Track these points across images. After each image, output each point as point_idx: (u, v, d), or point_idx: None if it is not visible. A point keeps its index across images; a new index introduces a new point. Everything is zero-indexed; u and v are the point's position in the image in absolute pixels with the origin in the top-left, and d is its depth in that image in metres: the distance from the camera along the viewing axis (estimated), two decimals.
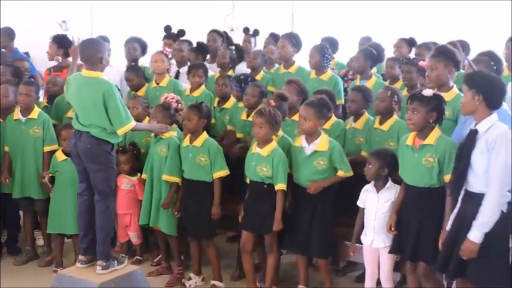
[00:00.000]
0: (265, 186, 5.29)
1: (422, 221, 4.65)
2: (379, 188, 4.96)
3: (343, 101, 6.49)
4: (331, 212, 5.25)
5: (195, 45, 7.65)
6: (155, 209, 5.77)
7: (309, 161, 5.21)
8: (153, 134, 5.82)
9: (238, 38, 8.46)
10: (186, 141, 5.66)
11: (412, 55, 7.15)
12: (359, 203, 5.06)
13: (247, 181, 5.45)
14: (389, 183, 4.94)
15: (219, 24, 9.48)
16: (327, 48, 6.75)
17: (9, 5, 11.75)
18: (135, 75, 6.98)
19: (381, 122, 5.45)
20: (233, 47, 7.26)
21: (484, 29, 8.62)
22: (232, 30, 10.07)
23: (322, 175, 5.19)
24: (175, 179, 5.69)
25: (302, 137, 5.29)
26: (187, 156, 5.62)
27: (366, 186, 5.04)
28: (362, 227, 5.03)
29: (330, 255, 5.47)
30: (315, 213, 5.20)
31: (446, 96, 4.82)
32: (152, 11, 11.37)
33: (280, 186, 5.23)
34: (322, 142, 5.19)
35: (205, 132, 5.67)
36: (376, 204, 4.94)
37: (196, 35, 8.00)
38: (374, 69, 7.06)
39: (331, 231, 5.26)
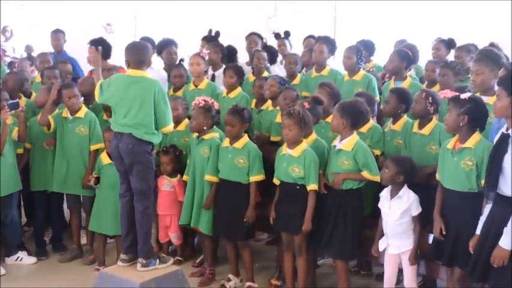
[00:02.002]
0: (298, 187, 5.29)
1: (459, 226, 4.61)
2: (393, 194, 4.94)
3: (378, 98, 6.49)
4: (356, 215, 5.16)
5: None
6: (197, 210, 5.82)
7: (335, 159, 5.21)
8: (194, 135, 5.86)
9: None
10: (226, 142, 5.68)
11: (450, 57, 7.10)
12: (379, 205, 5.05)
13: (277, 182, 5.46)
14: (402, 191, 4.91)
15: (261, 27, 9.51)
16: (361, 50, 6.76)
17: (54, 7, 12.00)
18: (185, 72, 7.05)
19: (421, 126, 5.34)
20: (259, 48, 7.35)
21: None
22: (274, 33, 10.08)
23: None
24: (217, 179, 5.74)
25: (338, 136, 5.27)
26: (226, 157, 5.65)
27: (383, 191, 5.03)
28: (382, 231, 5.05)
29: (348, 258, 5.34)
30: (339, 214, 5.15)
31: (490, 100, 4.71)
32: (196, 14, 11.47)
33: (312, 186, 5.22)
34: (349, 142, 5.14)
35: (246, 135, 5.70)
36: (388, 211, 4.94)
37: (239, 39, 8.05)
38: (412, 72, 7.01)
39: (355, 234, 5.16)
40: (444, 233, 4.69)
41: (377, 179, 5.09)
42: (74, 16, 11.80)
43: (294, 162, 5.26)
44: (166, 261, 5.28)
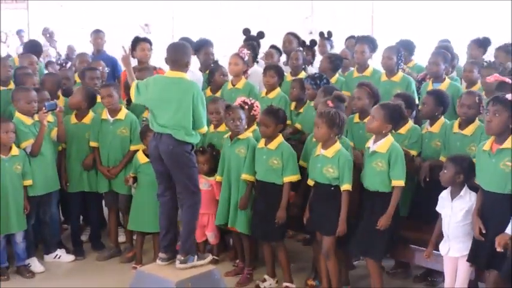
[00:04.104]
0: (332, 188, 5.26)
1: (498, 228, 4.53)
2: (454, 195, 4.86)
3: (417, 102, 6.37)
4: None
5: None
6: (234, 210, 5.81)
7: (369, 161, 5.16)
8: (227, 136, 5.86)
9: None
10: (262, 143, 5.68)
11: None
12: (438, 208, 4.97)
13: (311, 183, 5.44)
14: (464, 191, 4.82)
15: (298, 27, 9.50)
16: (401, 50, 6.71)
17: (93, 7, 12.14)
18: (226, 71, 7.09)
19: (462, 127, 5.30)
20: (301, 48, 7.29)
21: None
22: (311, 33, 10.07)
23: (379, 177, 5.08)
24: (253, 178, 5.73)
25: (372, 137, 5.22)
26: (261, 158, 5.64)
27: (443, 193, 4.94)
28: (439, 234, 4.95)
29: (378, 257, 5.23)
30: (370, 214, 5.13)
31: None
32: (233, 14, 11.50)
33: (346, 187, 5.20)
34: (384, 144, 5.09)
35: (280, 135, 5.68)
36: (450, 212, 4.85)
37: (276, 38, 8.05)
38: (454, 73, 6.94)
39: (385, 233, 5.07)
40: (484, 231, 4.63)
41: (401, 183, 5.02)
42: (112, 16, 11.93)
43: (328, 162, 5.25)
44: (205, 257, 5.29)
